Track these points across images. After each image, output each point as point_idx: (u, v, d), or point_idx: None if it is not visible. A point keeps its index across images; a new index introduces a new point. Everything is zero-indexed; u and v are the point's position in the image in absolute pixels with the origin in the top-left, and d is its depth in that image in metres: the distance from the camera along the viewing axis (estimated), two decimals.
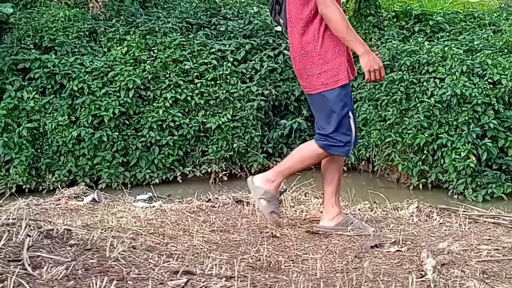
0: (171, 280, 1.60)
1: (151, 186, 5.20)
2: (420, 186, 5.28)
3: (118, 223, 2.42)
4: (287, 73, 6.33)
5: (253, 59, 6.34)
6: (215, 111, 6.03)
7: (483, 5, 7.83)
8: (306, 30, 2.27)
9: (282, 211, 2.75)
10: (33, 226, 1.86)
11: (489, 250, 2.15)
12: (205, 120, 5.97)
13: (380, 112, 5.61)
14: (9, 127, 5.61)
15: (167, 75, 6.08)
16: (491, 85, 5.24)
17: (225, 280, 1.67)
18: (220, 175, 5.86)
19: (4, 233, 1.73)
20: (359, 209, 2.86)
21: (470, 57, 5.57)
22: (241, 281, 1.70)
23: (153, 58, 6.17)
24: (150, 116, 5.86)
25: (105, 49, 6.29)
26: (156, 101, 5.97)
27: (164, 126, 5.89)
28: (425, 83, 5.50)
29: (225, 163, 5.94)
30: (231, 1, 7.49)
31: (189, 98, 6.01)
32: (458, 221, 2.57)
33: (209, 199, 3.01)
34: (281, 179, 2.39)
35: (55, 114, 5.68)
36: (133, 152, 5.76)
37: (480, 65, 5.38)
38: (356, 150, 5.73)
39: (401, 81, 5.63)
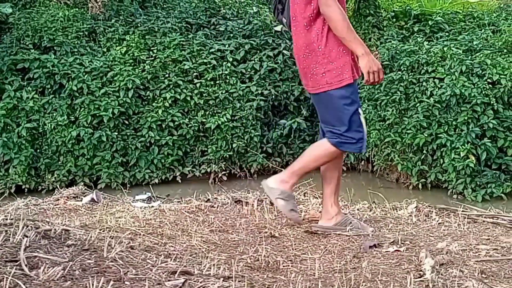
0: (169, 280, 1.60)
1: (151, 186, 5.20)
2: (420, 186, 5.28)
3: (117, 223, 2.42)
4: (286, 73, 6.33)
5: (252, 59, 6.33)
6: (215, 111, 6.03)
7: (482, 5, 7.83)
8: (310, 29, 2.27)
9: (281, 211, 2.75)
10: (31, 227, 1.85)
11: (487, 250, 2.14)
12: (204, 120, 5.97)
13: (379, 112, 5.61)
14: (8, 127, 5.61)
15: (167, 75, 6.08)
16: (490, 85, 5.24)
17: (223, 281, 1.66)
18: (220, 175, 5.86)
19: (2, 233, 1.73)
20: (358, 209, 2.86)
21: (470, 57, 5.57)
22: (239, 281, 1.70)
23: (153, 58, 6.17)
24: (150, 116, 5.86)
25: (105, 49, 6.28)
26: (156, 101, 5.96)
27: (163, 126, 5.89)
28: (424, 83, 5.50)
29: (224, 163, 5.94)
30: (230, 1, 7.49)
31: (188, 98, 6.01)
32: (457, 221, 2.57)
33: (208, 199, 3.00)
34: (295, 179, 2.38)
35: (54, 114, 5.68)
36: (133, 152, 5.76)
37: (479, 65, 5.38)
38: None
39: (400, 81, 5.63)
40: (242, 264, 1.96)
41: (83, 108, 5.74)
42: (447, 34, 6.55)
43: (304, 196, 3.06)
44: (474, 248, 2.17)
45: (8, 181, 5.50)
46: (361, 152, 2.43)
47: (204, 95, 6.06)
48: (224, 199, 2.97)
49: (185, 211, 2.73)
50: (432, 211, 2.72)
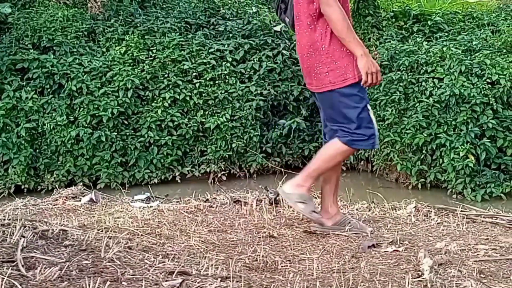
0: (166, 280, 1.60)
1: (150, 186, 5.19)
2: (419, 186, 5.28)
3: (115, 224, 2.41)
4: (286, 73, 6.33)
5: (252, 59, 6.33)
6: (214, 111, 6.02)
7: (482, 5, 7.82)
8: (314, 28, 2.28)
9: (280, 211, 2.75)
10: (29, 227, 1.85)
11: (486, 249, 2.14)
12: (204, 120, 5.97)
13: (378, 112, 5.61)
14: (7, 127, 5.60)
15: (166, 75, 6.07)
16: (489, 85, 5.24)
17: (221, 281, 1.66)
18: (219, 175, 5.85)
19: None
20: (357, 209, 2.85)
21: (469, 57, 5.56)
22: (236, 281, 1.70)
23: (152, 58, 6.16)
24: (149, 116, 5.85)
25: (104, 49, 6.28)
26: (155, 101, 5.96)
27: (162, 126, 5.88)
28: (423, 83, 5.49)
29: (224, 163, 5.93)
30: (230, 1, 7.48)
31: (188, 98, 6.00)
32: (456, 221, 2.56)
33: (207, 199, 3.00)
34: (311, 182, 2.37)
35: (53, 114, 5.68)
36: (132, 152, 5.76)
37: (478, 65, 5.37)
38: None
39: (399, 81, 5.63)
40: (240, 264, 1.96)
41: (82, 108, 5.73)
42: (446, 34, 6.54)
43: None
44: (473, 248, 2.16)
45: (7, 181, 5.49)
46: (373, 148, 2.43)
47: (203, 95, 6.05)
48: (223, 199, 2.97)
49: (184, 211, 2.73)
50: (431, 211, 2.72)
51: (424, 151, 5.26)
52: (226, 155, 5.89)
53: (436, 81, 5.42)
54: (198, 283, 1.63)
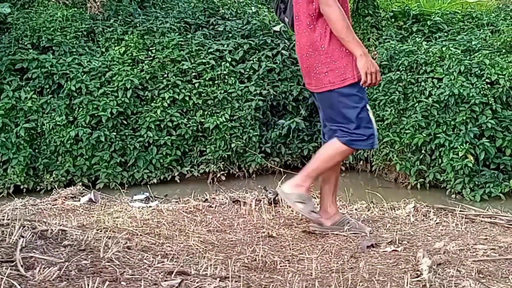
0: (165, 280, 1.60)
1: (149, 186, 5.19)
2: (418, 186, 5.28)
3: (114, 224, 2.41)
4: (285, 73, 6.33)
5: (251, 59, 6.33)
6: (213, 111, 6.02)
7: (481, 5, 7.83)
8: (313, 28, 2.28)
9: (279, 211, 2.75)
10: (28, 227, 1.85)
11: (485, 249, 2.14)
12: (203, 120, 5.97)
13: (378, 112, 5.61)
14: (6, 127, 5.60)
15: (165, 75, 6.07)
16: (488, 85, 5.24)
17: (219, 281, 1.66)
18: (218, 175, 5.85)
19: None
20: (356, 209, 2.85)
21: (468, 57, 5.57)
22: (235, 281, 1.70)
23: (151, 58, 6.16)
24: (148, 116, 5.85)
25: (103, 49, 6.28)
26: (154, 101, 5.96)
27: (162, 126, 5.88)
28: (423, 83, 5.49)
29: (223, 163, 5.93)
30: (229, 1, 7.48)
31: (187, 98, 6.00)
32: (455, 221, 2.57)
33: (206, 199, 3.00)
34: (310, 182, 2.37)
35: (53, 114, 5.67)
36: (131, 152, 5.75)
37: (478, 65, 5.38)
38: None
39: (399, 81, 5.63)
40: (239, 264, 1.96)
41: (81, 108, 5.73)
42: (445, 34, 6.55)
43: None
44: (472, 248, 2.16)
45: (7, 181, 5.49)
46: (373, 148, 2.42)
47: (202, 95, 6.05)
48: (222, 199, 2.96)
49: (183, 211, 2.73)
50: (430, 211, 2.72)
51: (423, 151, 5.26)
52: (225, 155, 5.89)
53: (436, 81, 5.42)
54: (197, 283, 1.63)
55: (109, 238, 2.01)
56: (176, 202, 3.04)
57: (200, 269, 1.82)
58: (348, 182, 5.52)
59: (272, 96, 6.22)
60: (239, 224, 2.52)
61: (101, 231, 2.17)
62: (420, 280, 1.82)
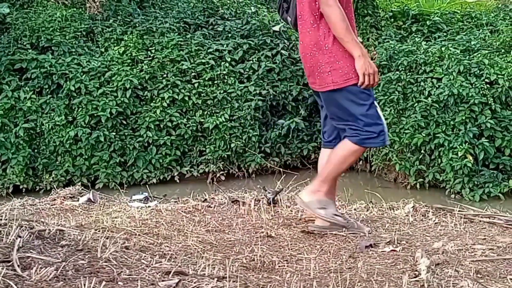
0: (163, 280, 1.59)
1: (148, 186, 5.19)
2: (418, 186, 5.28)
3: (113, 224, 2.41)
4: (284, 73, 6.33)
5: (250, 59, 6.33)
6: (213, 111, 6.02)
7: (480, 5, 7.83)
8: (317, 27, 2.28)
9: (278, 211, 2.75)
10: (25, 227, 1.85)
11: (483, 249, 2.14)
12: (202, 120, 5.97)
13: None
14: (6, 127, 5.60)
15: (165, 75, 6.07)
16: (488, 85, 5.24)
17: (217, 281, 1.66)
18: (218, 175, 5.85)
19: None
20: (355, 209, 2.85)
21: (467, 57, 5.57)
22: (233, 281, 1.70)
23: (151, 58, 6.16)
24: (148, 116, 5.85)
25: (102, 49, 6.28)
26: (154, 101, 5.96)
27: (161, 126, 5.88)
28: (422, 83, 5.49)
29: (222, 163, 5.93)
30: (228, 1, 7.48)
31: (186, 98, 6.00)
32: (454, 221, 2.56)
33: (205, 199, 3.00)
34: (327, 186, 2.35)
35: (52, 114, 5.67)
36: (131, 152, 5.75)
37: (477, 65, 5.38)
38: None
39: (398, 81, 5.63)
40: (237, 264, 1.96)
41: (80, 108, 5.73)
42: (445, 34, 6.55)
43: None
44: (470, 248, 2.16)
45: (6, 181, 5.49)
46: (384, 145, 2.40)
47: (202, 95, 6.05)
48: (221, 199, 2.96)
49: (182, 211, 2.72)
50: (429, 211, 2.72)
51: (422, 151, 5.26)
52: (225, 155, 5.89)
53: (435, 81, 5.42)
54: (194, 283, 1.63)
55: (107, 238, 2.01)
56: (175, 202, 3.03)
57: (198, 269, 1.82)
58: (347, 182, 5.51)
59: (271, 96, 6.22)
60: (238, 224, 2.52)
61: (99, 231, 2.16)
62: (418, 280, 1.82)
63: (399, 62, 5.74)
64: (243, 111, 6.01)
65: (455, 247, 2.16)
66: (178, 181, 5.82)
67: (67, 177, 5.63)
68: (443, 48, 5.66)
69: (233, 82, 6.12)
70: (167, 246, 2.12)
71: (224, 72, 6.12)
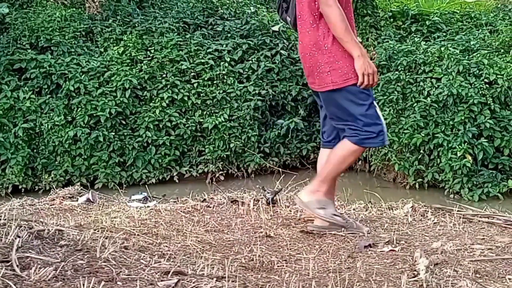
0: (162, 280, 1.60)
1: (148, 186, 5.19)
2: (417, 186, 5.28)
3: (112, 223, 2.41)
4: (284, 73, 6.33)
5: (250, 59, 6.33)
6: (212, 111, 6.02)
7: (479, 5, 7.83)
8: (316, 27, 2.28)
9: (277, 211, 2.75)
10: (24, 227, 1.85)
11: (482, 249, 2.14)
12: (202, 120, 5.97)
13: None
14: (5, 127, 5.60)
15: (164, 75, 6.07)
16: (487, 85, 5.25)
17: (216, 281, 1.66)
18: (217, 175, 5.85)
19: None
20: (354, 209, 2.85)
21: (467, 57, 5.57)
22: (232, 281, 1.70)
23: (150, 58, 6.16)
24: (147, 116, 5.85)
25: (102, 49, 6.27)
26: (153, 101, 5.96)
27: (160, 126, 5.88)
28: (421, 83, 5.50)
29: (222, 163, 5.93)
30: (228, 1, 7.48)
31: (186, 98, 6.00)
32: (453, 221, 2.57)
33: (204, 199, 3.00)
34: (326, 186, 2.35)
35: (51, 114, 5.67)
36: (130, 152, 5.75)
37: (476, 65, 5.38)
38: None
39: (397, 81, 5.63)
40: (236, 264, 1.96)
41: (80, 108, 5.73)
42: (444, 34, 6.55)
43: None
44: (469, 248, 2.16)
45: (5, 182, 5.49)
46: (383, 145, 2.40)
47: (201, 95, 6.05)
48: (220, 199, 2.96)
49: (181, 211, 2.72)
50: (428, 211, 2.72)
51: (421, 151, 5.26)
52: (224, 155, 5.89)
53: (434, 81, 5.42)
54: (193, 283, 1.63)
55: (106, 238, 2.01)
56: (174, 202, 3.03)
57: (197, 269, 1.82)
58: (346, 182, 5.51)
59: (271, 96, 6.22)
60: (237, 224, 2.52)
61: (98, 231, 2.16)
62: (417, 280, 1.82)
63: (398, 62, 5.74)
64: (242, 111, 6.01)
65: (454, 247, 2.16)
66: (177, 181, 5.82)
67: (66, 177, 5.63)
68: (442, 48, 5.66)
69: (232, 82, 6.12)
70: (166, 246, 2.12)
71: (224, 72, 6.12)
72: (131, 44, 6.17)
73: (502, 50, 5.76)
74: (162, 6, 7.24)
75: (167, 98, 5.92)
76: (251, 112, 6.02)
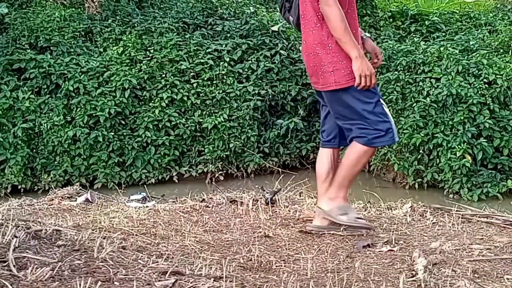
0: (159, 280, 1.59)
1: (147, 186, 5.18)
2: (416, 186, 5.28)
3: (110, 223, 2.41)
4: (283, 73, 6.33)
5: (249, 59, 6.32)
6: (212, 111, 6.02)
7: (479, 5, 7.83)
8: (320, 27, 2.28)
9: (276, 211, 2.75)
10: (22, 227, 1.85)
11: (481, 249, 2.14)
12: (201, 120, 5.96)
13: None
14: (4, 127, 5.60)
15: (163, 75, 6.07)
16: (486, 85, 5.25)
17: (214, 281, 1.66)
18: (217, 175, 5.85)
19: None
20: None
21: (466, 57, 5.58)
22: (230, 281, 1.70)
23: (149, 58, 6.15)
24: (146, 116, 5.85)
25: (101, 49, 6.27)
26: (152, 101, 5.95)
27: (160, 126, 5.88)
28: (421, 83, 5.50)
29: (221, 163, 5.93)
30: (227, 1, 7.48)
31: (185, 98, 6.00)
32: (451, 221, 2.56)
33: (203, 199, 2.99)
34: (344, 191, 2.35)
35: (50, 114, 5.67)
36: (129, 152, 5.75)
37: (475, 65, 5.38)
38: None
39: (397, 81, 5.63)
40: (234, 264, 1.96)
41: (79, 108, 5.72)
42: (443, 34, 6.55)
43: (300, 196, 3.05)
44: (468, 248, 2.16)
45: (4, 182, 5.49)
46: (394, 143, 2.39)
47: (201, 95, 6.05)
48: (219, 199, 2.96)
49: (180, 211, 2.72)
50: (427, 211, 2.72)
51: (421, 151, 5.26)
52: (223, 155, 5.89)
53: (433, 81, 5.42)
54: (191, 283, 1.62)
55: (104, 238, 2.01)
56: (173, 202, 3.03)
57: (195, 269, 1.82)
58: None
59: (270, 96, 6.22)
60: (236, 224, 2.52)
61: (96, 231, 2.16)
62: (415, 280, 1.82)
63: (397, 62, 5.74)
64: (242, 111, 6.00)
65: (452, 247, 2.16)
66: (176, 181, 5.82)
67: (66, 177, 5.63)
68: (441, 48, 5.66)
69: (232, 82, 6.12)
70: (164, 246, 2.11)
71: (223, 72, 6.12)
72: (130, 44, 6.16)
73: (501, 50, 5.77)
74: (161, 6, 7.24)
75: (166, 98, 5.91)
76: (251, 112, 6.02)
